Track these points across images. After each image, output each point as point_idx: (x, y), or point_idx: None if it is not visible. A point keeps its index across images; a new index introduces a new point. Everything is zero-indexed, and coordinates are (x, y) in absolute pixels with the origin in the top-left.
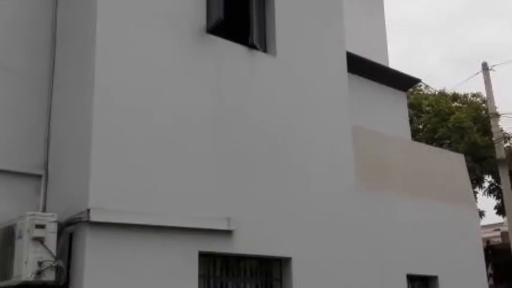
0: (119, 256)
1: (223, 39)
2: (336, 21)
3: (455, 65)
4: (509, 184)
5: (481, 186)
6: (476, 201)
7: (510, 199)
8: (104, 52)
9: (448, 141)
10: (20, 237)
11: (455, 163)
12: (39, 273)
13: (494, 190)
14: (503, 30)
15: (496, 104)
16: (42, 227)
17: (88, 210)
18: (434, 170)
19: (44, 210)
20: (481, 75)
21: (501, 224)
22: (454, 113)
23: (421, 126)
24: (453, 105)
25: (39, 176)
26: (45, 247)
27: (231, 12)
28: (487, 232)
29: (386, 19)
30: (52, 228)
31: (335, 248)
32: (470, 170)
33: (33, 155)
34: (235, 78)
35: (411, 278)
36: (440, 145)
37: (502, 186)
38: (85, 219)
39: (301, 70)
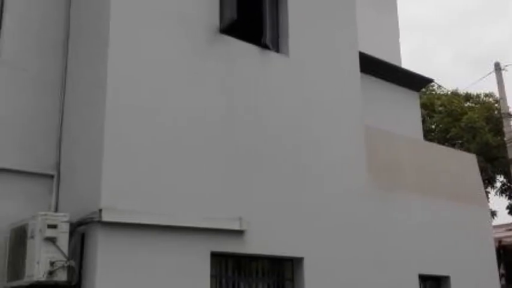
0: (130, 256)
1: (236, 40)
2: (349, 21)
3: (467, 65)
4: None
5: (493, 186)
6: (488, 201)
7: None
8: (116, 52)
9: (460, 141)
10: (32, 237)
11: (467, 163)
12: (51, 273)
13: (507, 190)
14: None
15: (509, 104)
16: (54, 227)
17: (100, 210)
18: (447, 170)
19: (56, 210)
20: (493, 75)
21: None
22: (466, 113)
23: (433, 126)
24: (466, 105)
25: (52, 176)
26: (57, 247)
27: (244, 12)
28: (499, 232)
29: (398, 19)
30: (64, 228)
31: (347, 247)
32: (483, 170)
33: (45, 155)
34: (248, 79)
35: (423, 278)
36: (453, 145)
37: None
38: (97, 219)
39: (313, 70)
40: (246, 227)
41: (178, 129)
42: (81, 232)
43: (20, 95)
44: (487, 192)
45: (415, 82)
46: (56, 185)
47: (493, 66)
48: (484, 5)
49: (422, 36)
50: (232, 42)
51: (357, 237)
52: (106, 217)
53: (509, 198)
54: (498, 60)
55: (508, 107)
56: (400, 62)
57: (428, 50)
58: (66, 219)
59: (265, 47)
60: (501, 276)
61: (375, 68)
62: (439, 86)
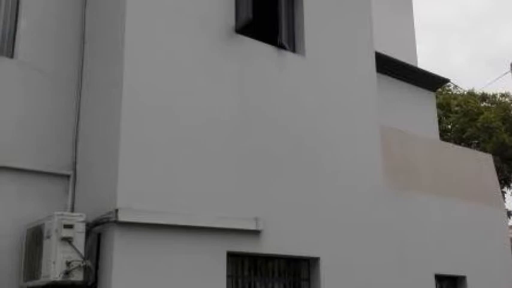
0: (147, 256)
1: (251, 40)
2: (365, 21)
3: (483, 65)
4: None
5: (509, 186)
6: (505, 201)
7: None
8: (132, 53)
9: (476, 141)
10: (48, 237)
11: (483, 163)
12: (67, 273)
13: None
14: None
15: None
16: (70, 227)
17: (116, 210)
18: (463, 170)
19: (72, 210)
20: (509, 75)
21: None
22: (482, 113)
23: (449, 126)
24: (482, 105)
25: (68, 176)
26: (74, 247)
27: (260, 12)
28: None
29: (414, 19)
30: (80, 228)
31: (363, 248)
32: (499, 170)
33: (61, 155)
34: (264, 79)
35: (439, 278)
36: (469, 145)
37: None
38: (113, 219)
39: (330, 70)
40: (262, 227)
41: (194, 129)
42: (97, 232)
43: (36, 96)
44: (503, 193)
45: (432, 82)
46: (72, 185)
47: (509, 67)
48: (497, 6)
49: (436, 37)
50: (248, 43)
51: (372, 237)
52: (122, 217)
53: None
54: None
55: None
56: (417, 62)
57: (442, 50)
58: (82, 219)
59: (281, 47)
60: None
61: (392, 68)
62: (455, 86)
